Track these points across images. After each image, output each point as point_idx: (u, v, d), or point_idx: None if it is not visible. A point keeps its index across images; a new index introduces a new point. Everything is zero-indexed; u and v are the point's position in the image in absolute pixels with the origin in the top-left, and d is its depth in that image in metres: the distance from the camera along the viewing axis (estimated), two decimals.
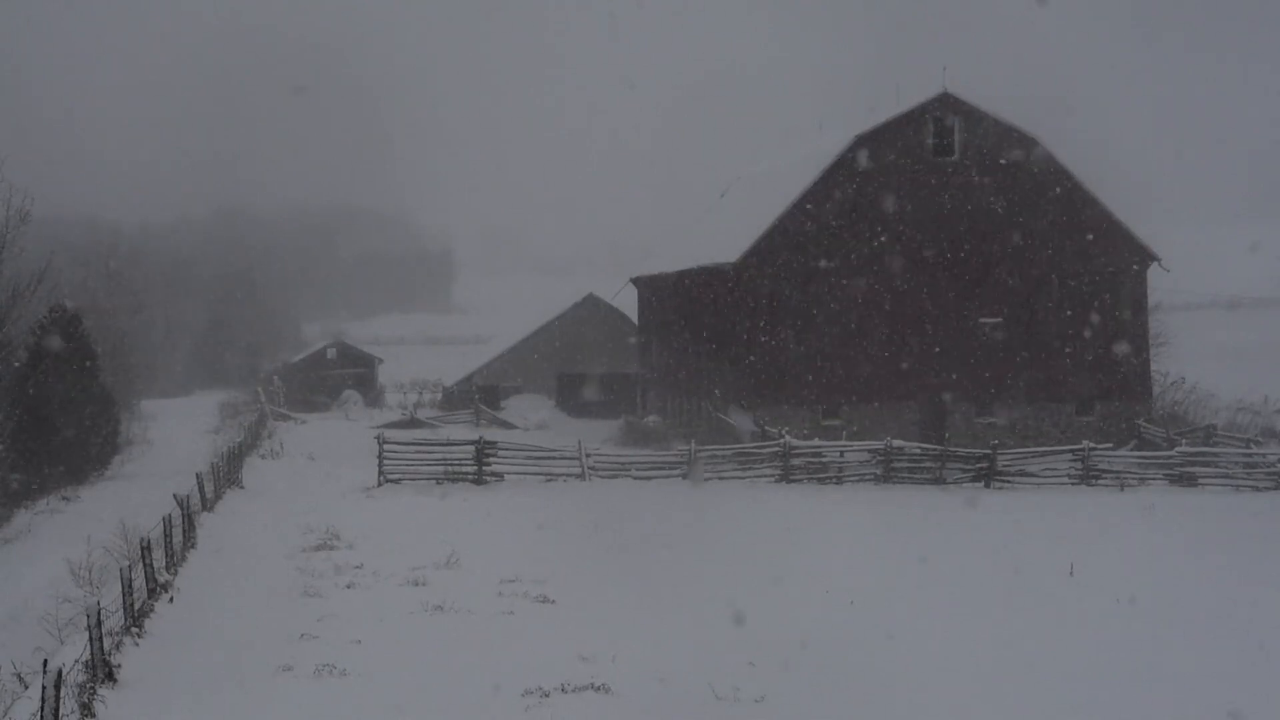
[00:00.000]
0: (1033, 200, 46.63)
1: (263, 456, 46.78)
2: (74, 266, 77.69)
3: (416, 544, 26.22)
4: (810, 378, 45.70)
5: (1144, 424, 46.36)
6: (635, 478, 37.30)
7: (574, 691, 16.15)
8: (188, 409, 78.23)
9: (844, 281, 45.88)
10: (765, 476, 37.61)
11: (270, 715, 15.46)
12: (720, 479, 37.34)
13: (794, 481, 37.38)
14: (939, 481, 37.76)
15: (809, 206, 45.88)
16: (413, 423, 62.08)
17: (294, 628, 19.31)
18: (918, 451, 38.92)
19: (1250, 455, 39.99)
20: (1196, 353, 58.68)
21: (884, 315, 46.07)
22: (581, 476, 36.95)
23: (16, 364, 46.18)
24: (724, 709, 15.77)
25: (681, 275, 52.44)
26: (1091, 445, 39.05)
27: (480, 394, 69.54)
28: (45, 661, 13.74)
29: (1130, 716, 16.16)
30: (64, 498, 42.12)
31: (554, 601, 21.43)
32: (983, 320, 46.55)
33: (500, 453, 37.38)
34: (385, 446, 37.05)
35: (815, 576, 23.53)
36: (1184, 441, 41.87)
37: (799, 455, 38.06)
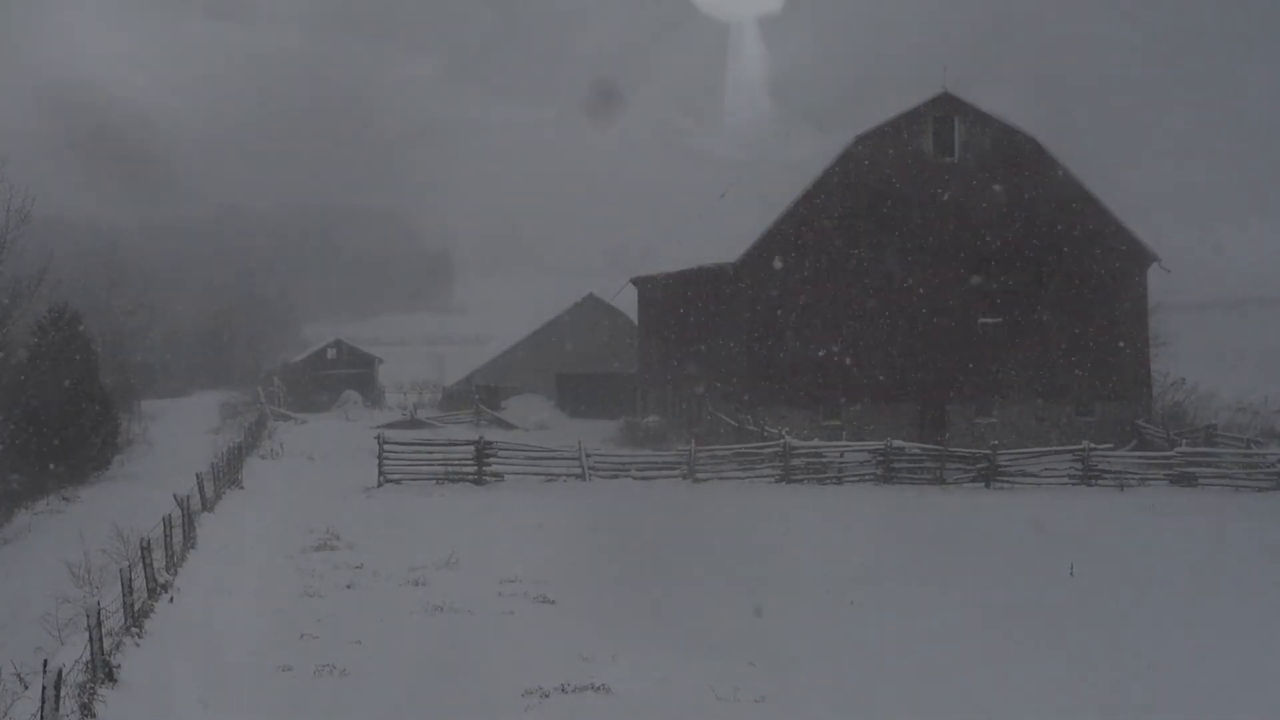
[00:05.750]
0: (1032, 200, 46.62)
1: (263, 457, 46.77)
2: (74, 266, 77.60)
3: (416, 544, 26.21)
4: (810, 378, 45.69)
5: (1144, 424, 46.36)
6: (635, 478, 37.30)
7: (574, 691, 16.14)
8: (188, 409, 78.18)
9: (844, 281, 45.87)
10: (765, 476, 37.60)
11: (270, 716, 15.46)
12: (720, 479, 37.34)
13: (794, 481, 37.37)
14: (939, 482, 37.76)
15: (809, 206, 45.88)
16: (413, 423, 62.07)
17: (294, 628, 19.31)
18: (918, 451, 38.92)
19: (1250, 455, 39.98)
20: (1196, 353, 58.69)
21: (884, 315, 46.06)
22: (581, 476, 36.95)
23: (16, 364, 46.21)
24: (724, 709, 15.76)
25: (681, 275, 52.43)
26: (1091, 445, 39.04)
27: (480, 394, 69.52)
28: (45, 661, 13.73)
29: (1130, 716, 16.17)
30: (64, 498, 42.10)
31: (554, 601, 21.41)
32: (983, 320, 46.56)
33: (500, 453, 37.37)
34: (385, 446, 37.04)
35: (815, 576, 23.54)
36: (1184, 442, 41.87)
37: (799, 455, 38.06)
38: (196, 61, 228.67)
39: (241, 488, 36.90)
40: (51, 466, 44.28)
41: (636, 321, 63.99)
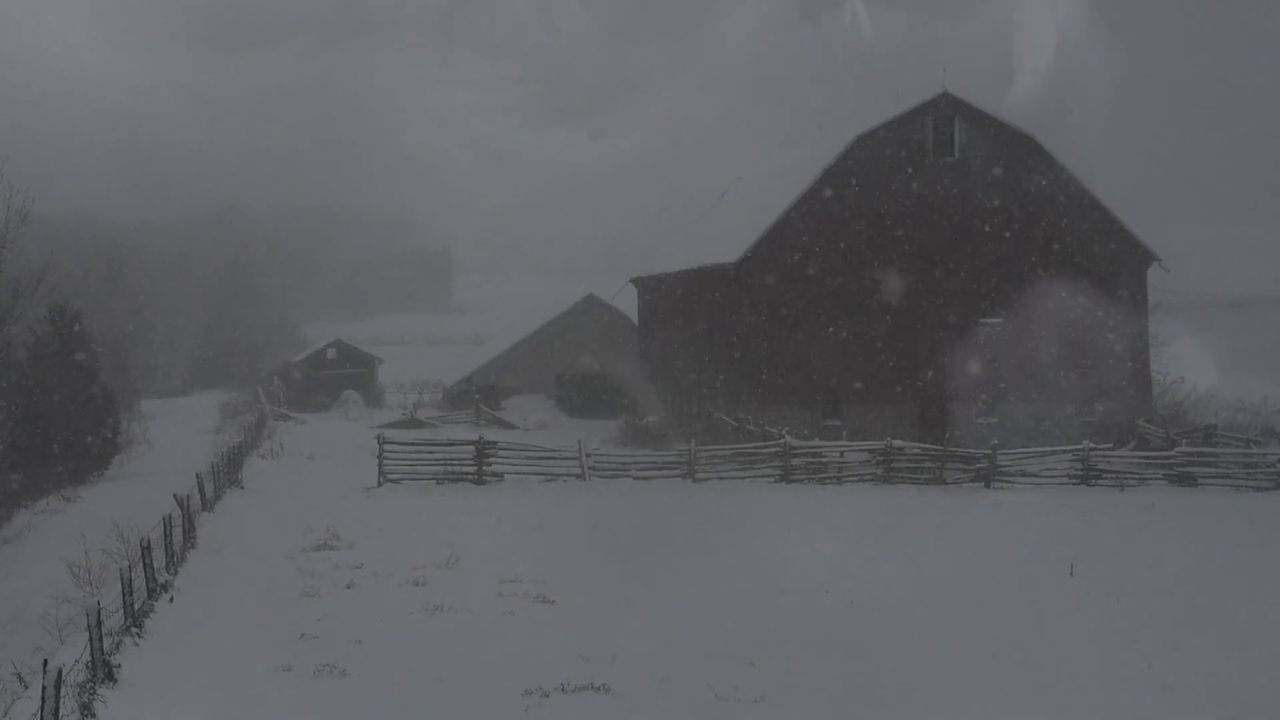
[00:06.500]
0: (1032, 200, 46.64)
1: (263, 456, 46.80)
2: (74, 266, 77.63)
3: (416, 544, 26.23)
4: (810, 378, 45.70)
5: (1144, 424, 46.33)
6: (635, 478, 37.30)
7: (574, 691, 16.15)
8: (188, 409, 78.23)
9: (844, 281, 45.87)
10: (765, 476, 37.60)
11: (270, 715, 15.46)
12: (720, 479, 37.34)
13: (794, 481, 37.36)
14: (939, 481, 37.74)
15: (809, 206, 45.90)
16: (413, 423, 62.09)
17: (294, 628, 19.32)
18: (918, 451, 38.90)
19: (1250, 455, 39.94)
20: (1196, 353, 58.67)
21: (884, 315, 46.07)
22: (581, 476, 36.95)
23: (16, 364, 46.20)
24: (724, 709, 15.76)
25: (681, 275, 52.44)
26: (1091, 445, 39.02)
27: (480, 394, 69.53)
28: (45, 661, 13.73)
29: (1130, 717, 16.17)
30: (64, 498, 42.11)
31: (554, 601, 21.42)
32: (983, 320, 46.55)
33: (500, 453, 37.38)
34: (385, 446, 37.05)
35: (815, 576, 23.53)
36: (1184, 441, 41.83)
37: (799, 455, 38.05)
38: (200, 63, 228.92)
39: (241, 488, 36.93)
40: (51, 466, 44.27)
41: (636, 321, 63.99)
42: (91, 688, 14.97)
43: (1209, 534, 30.47)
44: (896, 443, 38.65)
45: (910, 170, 46.07)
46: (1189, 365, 53.52)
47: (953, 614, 21.11)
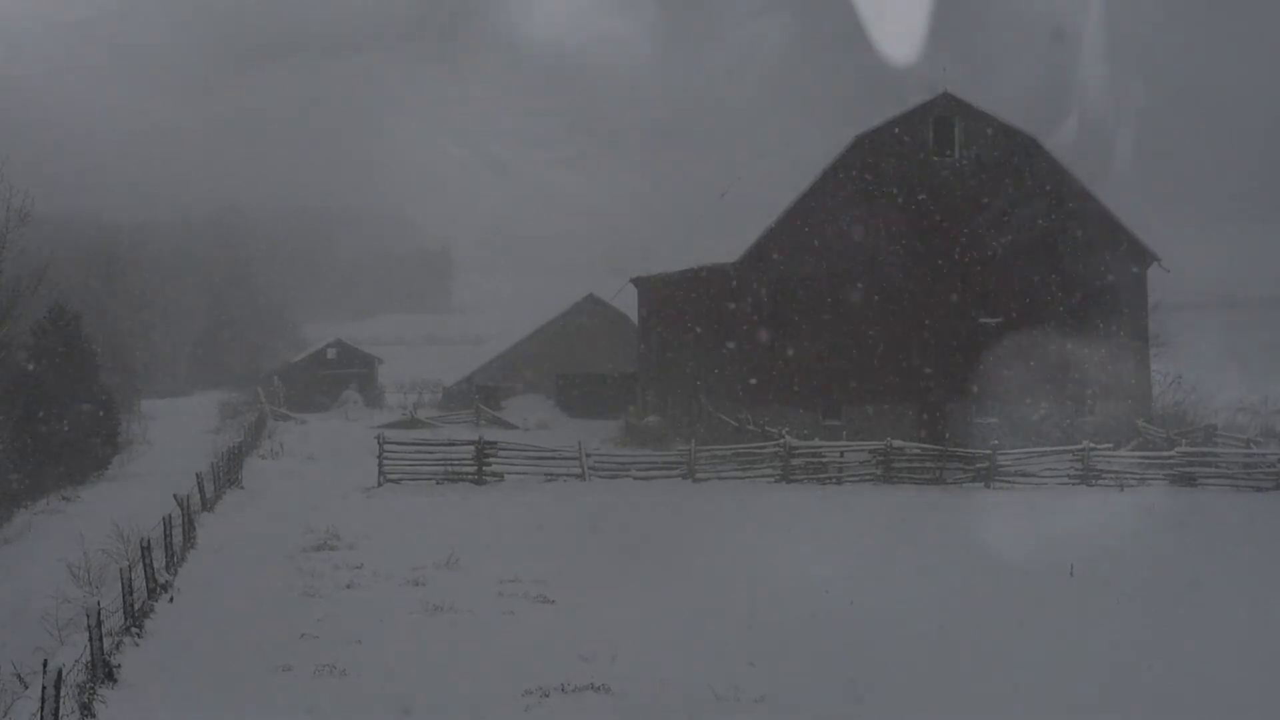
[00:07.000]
0: (1032, 200, 46.60)
1: (263, 457, 46.83)
2: (74, 266, 77.62)
3: (416, 544, 26.26)
4: (810, 378, 45.67)
5: (1144, 424, 46.32)
6: (635, 478, 37.31)
7: (574, 691, 16.16)
8: (188, 409, 78.28)
9: (844, 281, 45.85)
10: (765, 476, 37.61)
11: (270, 715, 15.47)
12: (720, 479, 37.35)
13: (794, 481, 37.37)
14: (939, 481, 37.75)
15: (809, 207, 45.86)
16: (413, 423, 62.09)
17: (294, 628, 19.33)
18: (918, 451, 38.91)
19: (1250, 455, 39.96)
20: (1196, 353, 58.67)
21: (884, 315, 46.05)
22: (581, 476, 36.95)
23: (16, 364, 46.19)
24: (724, 709, 15.78)
25: (681, 275, 52.40)
26: (1091, 445, 39.02)
27: (480, 394, 69.51)
28: (45, 661, 13.74)
29: (1130, 716, 16.17)
30: (64, 498, 42.10)
31: (554, 601, 21.45)
32: (983, 320, 46.53)
33: (500, 453, 37.39)
34: (385, 446, 37.07)
35: (815, 576, 23.54)
36: (1184, 441, 41.84)
37: (799, 455, 38.06)
38: (202, 68, 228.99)
39: (241, 488, 36.96)
40: (51, 467, 44.26)
41: (636, 321, 63.96)
42: (91, 688, 14.98)
43: (1209, 534, 30.48)
44: (896, 443, 38.66)
45: (910, 170, 46.05)
46: (1189, 365, 53.54)
47: (952, 614, 21.12)
